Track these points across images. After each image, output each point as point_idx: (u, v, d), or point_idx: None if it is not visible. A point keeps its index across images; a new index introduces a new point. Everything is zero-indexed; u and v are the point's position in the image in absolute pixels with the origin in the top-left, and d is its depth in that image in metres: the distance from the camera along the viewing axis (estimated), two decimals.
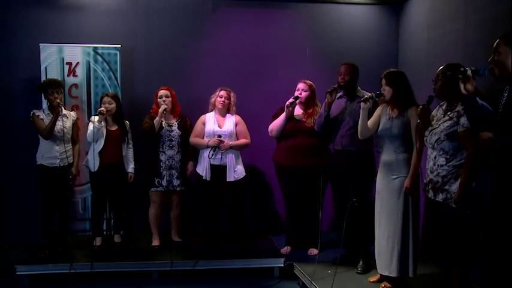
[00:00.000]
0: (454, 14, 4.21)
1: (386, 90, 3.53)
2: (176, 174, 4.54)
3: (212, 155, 4.45)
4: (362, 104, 3.62)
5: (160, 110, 4.41)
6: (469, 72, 2.74)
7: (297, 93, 4.41)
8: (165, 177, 4.49)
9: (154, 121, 4.41)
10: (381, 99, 3.65)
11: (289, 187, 4.46)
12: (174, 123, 4.56)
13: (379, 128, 3.61)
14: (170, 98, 4.52)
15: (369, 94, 3.63)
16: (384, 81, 3.55)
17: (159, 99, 4.51)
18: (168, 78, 5.00)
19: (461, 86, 2.76)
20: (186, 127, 4.61)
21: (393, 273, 3.52)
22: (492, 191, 2.64)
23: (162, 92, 4.52)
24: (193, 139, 4.58)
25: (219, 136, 4.47)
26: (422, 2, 4.87)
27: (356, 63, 4.12)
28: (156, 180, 4.49)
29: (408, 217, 3.47)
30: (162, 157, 4.49)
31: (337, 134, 4.08)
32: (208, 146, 4.47)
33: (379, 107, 3.69)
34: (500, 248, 2.59)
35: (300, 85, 4.44)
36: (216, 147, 4.45)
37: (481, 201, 2.87)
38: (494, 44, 2.63)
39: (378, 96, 3.59)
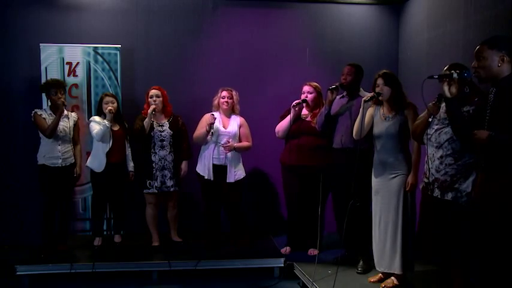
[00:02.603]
0: (454, 14, 4.21)
1: (385, 90, 3.56)
2: (169, 174, 4.51)
3: (211, 133, 4.39)
4: (364, 104, 3.62)
5: (149, 111, 4.39)
6: (455, 75, 2.85)
7: (303, 97, 4.40)
8: (158, 178, 4.48)
9: (144, 122, 4.38)
10: (375, 100, 3.65)
11: (293, 187, 4.46)
12: (165, 123, 4.54)
13: (376, 129, 3.64)
14: (161, 98, 4.50)
15: (371, 94, 3.63)
16: (381, 81, 3.56)
17: (149, 99, 4.49)
18: (168, 78, 5.00)
19: (446, 89, 2.86)
20: (178, 127, 4.58)
21: (397, 271, 3.56)
22: (489, 189, 2.64)
23: (152, 92, 4.50)
24: (194, 134, 4.54)
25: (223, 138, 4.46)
26: (422, 2, 4.87)
27: (360, 64, 4.12)
28: (148, 182, 4.47)
29: (407, 214, 3.52)
30: (154, 158, 4.47)
31: (336, 132, 4.10)
32: (207, 131, 4.40)
33: (370, 108, 3.71)
34: (492, 246, 2.61)
35: (306, 88, 4.43)
36: (213, 124, 4.39)
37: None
38: (477, 49, 2.71)
39: (379, 95, 3.59)
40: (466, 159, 3.00)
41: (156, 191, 4.49)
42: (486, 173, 2.67)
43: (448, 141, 3.04)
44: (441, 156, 3.07)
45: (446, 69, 3.08)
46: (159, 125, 4.50)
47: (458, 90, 2.92)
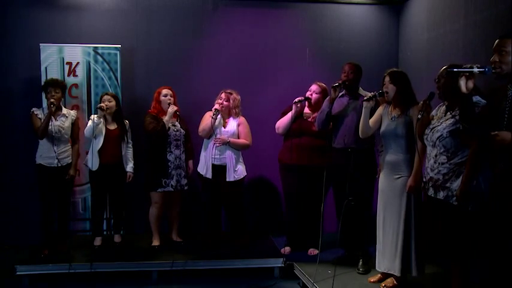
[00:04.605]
0: (454, 14, 4.22)
1: (390, 88, 3.53)
2: (183, 173, 4.56)
3: (215, 117, 4.40)
4: (365, 103, 3.62)
5: (171, 110, 4.40)
6: (476, 70, 2.67)
7: (308, 94, 4.39)
8: (174, 177, 4.49)
9: (165, 121, 4.40)
10: (382, 99, 3.64)
11: (291, 186, 4.45)
12: (177, 123, 4.56)
13: (382, 128, 3.61)
14: (173, 98, 4.53)
15: (372, 93, 3.62)
16: (387, 79, 3.54)
17: (163, 98, 4.49)
18: (168, 78, 4.99)
19: (463, 83, 2.69)
20: (185, 126, 4.62)
21: (396, 272, 3.53)
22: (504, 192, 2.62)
23: (166, 91, 4.52)
24: (200, 127, 4.52)
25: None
26: (422, 2, 4.88)
27: (360, 64, 4.11)
28: (164, 181, 4.47)
29: (411, 216, 3.48)
30: (170, 157, 4.48)
31: (339, 132, 4.08)
32: (212, 117, 4.40)
33: (380, 107, 3.70)
34: (505, 247, 2.59)
35: (313, 87, 4.42)
36: (217, 110, 4.40)
37: (483, 201, 2.87)
38: (498, 43, 2.59)
39: (381, 95, 3.58)
40: (459, 158, 2.98)
41: (172, 190, 4.50)
42: (505, 174, 2.59)
43: (439, 139, 3.03)
44: (436, 155, 3.07)
45: (443, 70, 3.07)
46: (173, 125, 4.51)
47: (453, 89, 2.89)
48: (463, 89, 2.68)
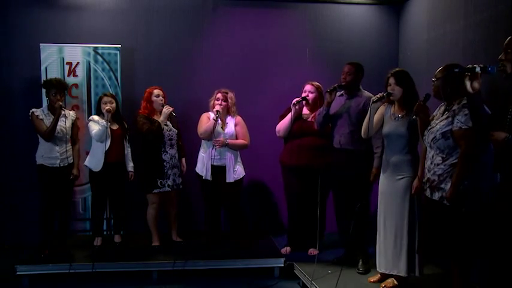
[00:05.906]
0: (454, 14, 4.21)
1: (396, 90, 3.50)
2: (178, 172, 4.57)
3: (217, 118, 4.40)
4: (373, 104, 3.59)
5: (166, 111, 4.41)
6: (478, 69, 2.66)
7: (303, 95, 4.39)
8: (171, 176, 4.50)
9: (161, 121, 4.41)
10: (385, 99, 3.62)
11: (293, 187, 4.45)
12: (168, 123, 4.56)
13: (385, 128, 3.59)
14: (164, 99, 4.54)
15: (380, 94, 3.59)
16: (392, 81, 3.51)
17: (155, 98, 4.51)
18: (168, 78, 5.00)
19: (468, 84, 2.67)
20: (176, 125, 4.63)
21: (402, 273, 3.51)
22: (503, 192, 2.61)
23: (158, 92, 4.53)
24: (201, 129, 4.51)
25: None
26: (422, 2, 4.87)
27: (361, 62, 4.11)
28: (159, 181, 4.48)
29: (414, 217, 3.47)
30: (166, 157, 4.49)
31: (335, 132, 4.08)
32: (214, 119, 4.40)
33: (381, 107, 3.67)
34: (505, 248, 2.59)
35: (307, 87, 4.42)
36: (219, 112, 4.41)
37: (482, 201, 2.87)
38: (507, 41, 2.59)
39: (389, 95, 3.55)
40: (454, 159, 2.97)
41: (170, 189, 4.51)
42: (504, 175, 2.60)
43: (433, 141, 3.04)
44: (432, 156, 3.07)
45: (439, 70, 3.07)
46: (165, 125, 4.51)
47: (444, 90, 2.87)
48: (469, 89, 2.66)
